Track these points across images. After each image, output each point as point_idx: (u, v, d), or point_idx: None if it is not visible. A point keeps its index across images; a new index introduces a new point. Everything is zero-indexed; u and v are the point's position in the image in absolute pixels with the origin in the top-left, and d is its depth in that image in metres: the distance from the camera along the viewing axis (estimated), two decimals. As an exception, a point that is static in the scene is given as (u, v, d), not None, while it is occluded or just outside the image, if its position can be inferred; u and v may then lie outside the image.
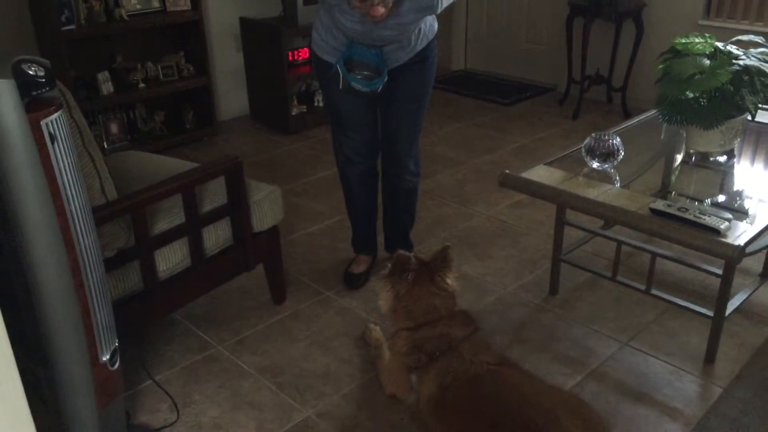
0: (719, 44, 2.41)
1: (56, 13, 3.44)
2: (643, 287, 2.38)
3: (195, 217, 2.21)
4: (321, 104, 4.63)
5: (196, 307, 2.57)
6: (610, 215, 2.14)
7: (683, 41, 2.40)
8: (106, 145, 3.90)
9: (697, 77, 2.31)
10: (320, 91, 2.59)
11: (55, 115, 1.46)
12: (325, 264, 2.94)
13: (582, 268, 2.60)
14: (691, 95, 2.36)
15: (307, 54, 4.54)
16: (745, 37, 2.50)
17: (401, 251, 2.09)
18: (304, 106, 4.56)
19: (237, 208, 2.33)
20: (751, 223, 2.04)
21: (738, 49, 2.41)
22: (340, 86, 2.43)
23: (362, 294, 2.72)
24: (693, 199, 2.45)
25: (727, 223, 1.93)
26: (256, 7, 4.45)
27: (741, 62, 2.31)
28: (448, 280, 2.03)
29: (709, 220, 1.94)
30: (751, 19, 4.17)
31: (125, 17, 3.70)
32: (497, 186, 3.07)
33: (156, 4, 3.86)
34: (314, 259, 2.98)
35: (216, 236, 2.33)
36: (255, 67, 4.53)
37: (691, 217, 1.97)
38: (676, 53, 2.46)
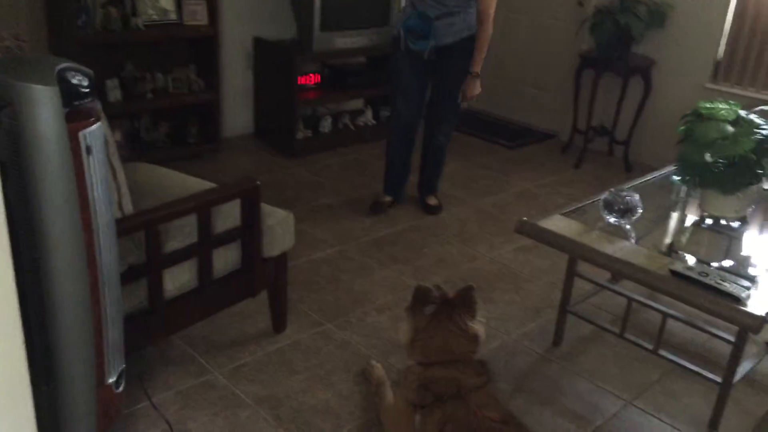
0: (742, 112, 2.43)
1: (73, 17, 3.40)
2: (650, 346, 2.37)
3: (208, 239, 2.16)
4: (327, 130, 4.62)
5: (194, 329, 2.49)
6: (628, 273, 2.13)
7: (708, 106, 2.42)
8: (107, 153, 3.83)
9: (719, 142, 2.33)
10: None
11: (94, 126, 1.42)
12: (326, 294, 2.89)
13: (589, 321, 2.58)
14: (710, 159, 2.38)
15: (318, 78, 4.55)
16: (768, 107, 2.53)
17: (421, 283, 2.05)
18: (310, 131, 4.54)
19: (249, 232, 2.28)
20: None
21: (759, 119, 2.43)
22: (402, 47, 3.35)
23: (363, 329, 2.67)
24: (702, 261, 2.45)
25: (747, 291, 1.93)
26: (271, 28, 4.45)
27: (764, 132, 2.33)
28: (470, 322, 1.99)
29: (729, 287, 1.94)
30: (758, 86, 4.24)
31: (141, 27, 3.66)
32: (500, 229, 3.10)
33: (173, 16, 3.84)
34: (315, 287, 2.93)
35: (225, 259, 2.27)
36: (264, 88, 4.51)
37: (711, 282, 1.96)
38: (697, 116, 2.48)
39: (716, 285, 1.95)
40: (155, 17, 3.77)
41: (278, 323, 2.58)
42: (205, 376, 2.32)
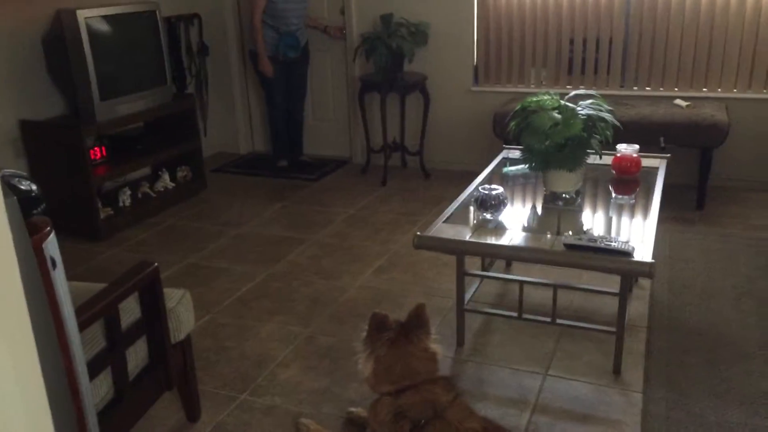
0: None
1: None
2: (547, 319, 2.62)
3: (120, 340, 1.91)
4: (128, 203, 4.28)
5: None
6: (532, 257, 2.34)
7: (535, 99, 2.75)
8: None
9: (554, 128, 2.66)
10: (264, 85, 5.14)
11: (52, 235, 1.20)
12: (221, 366, 2.70)
13: (488, 313, 2.76)
14: (547, 144, 2.70)
15: (105, 152, 4.20)
16: (580, 91, 2.92)
17: (376, 311, 2.03)
18: (110, 208, 4.16)
19: (155, 320, 2.06)
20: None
21: (570, 104, 2.82)
22: (280, 59, 4.80)
23: (279, 388, 2.55)
24: (559, 234, 2.76)
25: (632, 246, 2.24)
26: (35, 108, 4.00)
27: (583, 113, 2.72)
28: (427, 340, 2.02)
29: (618, 246, 2.23)
30: (514, 82, 4.87)
31: None
32: (351, 257, 3.18)
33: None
34: (206, 364, 2.71)
35: (135, 357, 2.03)
36: (44, 173, 4.03)
37: (602, 245, 2.24)
38: (523, 111, 2.80)
39: (607, 246, 2.24)
40: None
41: (193, 412, 2.36)
42: (143, 494, 2.04)
